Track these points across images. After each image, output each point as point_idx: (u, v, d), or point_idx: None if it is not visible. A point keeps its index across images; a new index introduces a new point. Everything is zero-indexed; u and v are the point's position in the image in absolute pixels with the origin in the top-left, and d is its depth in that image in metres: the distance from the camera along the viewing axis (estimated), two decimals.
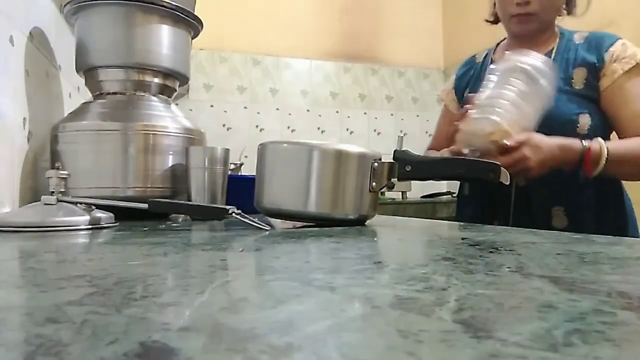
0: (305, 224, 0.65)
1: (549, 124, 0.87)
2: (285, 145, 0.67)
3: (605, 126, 0.92)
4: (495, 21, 1.08)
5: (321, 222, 0.64)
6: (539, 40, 0.99)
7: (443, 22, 3.32)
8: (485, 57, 1.10)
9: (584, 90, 0.92)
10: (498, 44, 1.10)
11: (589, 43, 0.96)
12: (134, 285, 0.25)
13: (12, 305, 0.22)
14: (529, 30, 0.97)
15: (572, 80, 0.93)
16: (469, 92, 1.02)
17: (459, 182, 1.10)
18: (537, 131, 0.84)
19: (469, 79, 1.10)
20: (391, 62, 3.21)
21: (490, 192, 0.97)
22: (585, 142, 0.83)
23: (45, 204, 0.60)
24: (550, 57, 0.95)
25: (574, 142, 0.83)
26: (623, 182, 0.97)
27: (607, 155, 0.82)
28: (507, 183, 0.64)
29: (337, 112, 3.02)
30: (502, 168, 0.64)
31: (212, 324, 0.18)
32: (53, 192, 0.62)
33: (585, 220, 0.90)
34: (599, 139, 0.84)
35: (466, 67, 1.14)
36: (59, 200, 0.61)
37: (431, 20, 3.32)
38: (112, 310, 0.20)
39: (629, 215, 0.96)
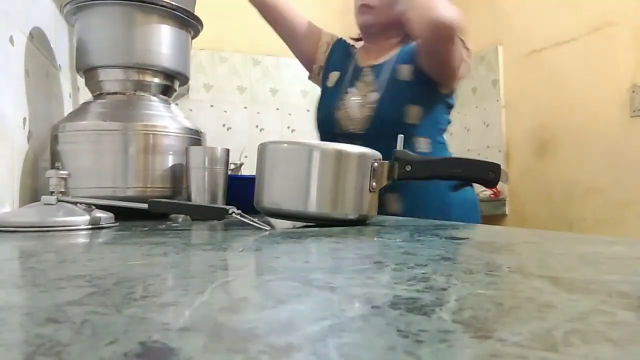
0: (305, 224, 0.65)
1: (381, 119, 1.04)
2: (285, 145, 0.67)
3: (442, 115, 1.09)
4: (359, 38, 1.23)
5: (321, 222, 0.64)
6: (383, 46, 1.13)
7: None
8: (345, 45, 1.24)
9: (412, 81, 1.04)
10: (356, 39, 1.25)
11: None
12: (134, 285, 0.25)
13: (12, 305, 0.22)
14: (367, 21, 1.12)
15: (396, 74, 1.06)
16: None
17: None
18: (366, 133, 1.05)
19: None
20: None
21: None
22: None
23: (45, 204, 0.60)
24: (392, 61, 1.09)
25: None
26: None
27: None
28: (507, 183, 0.64)
29: None
30: (502, 168, 0.64)
31: (212, 324, 0.18)
32: (53, 192, 0.62)
33: (416, 206, 1.00)
34: None
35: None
36: (58, 200, 0.61)
37: None
38: (112, 310, 0.20)
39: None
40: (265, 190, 0.65)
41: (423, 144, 1.05)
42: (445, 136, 1.13)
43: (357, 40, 1.25)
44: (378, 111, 1.06)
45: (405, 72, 1.06)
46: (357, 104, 1.10)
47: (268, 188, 0.65)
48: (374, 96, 1.08)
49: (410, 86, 1.05)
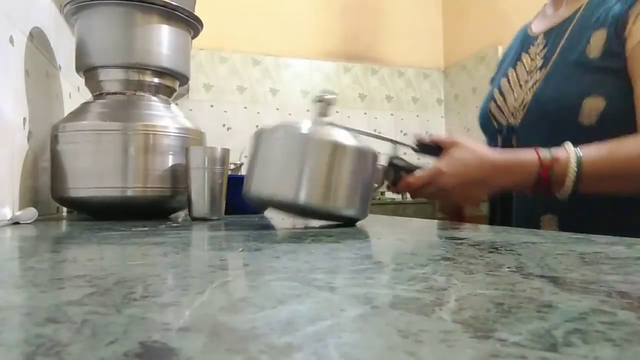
0: (306, 224, 0.65)
1: (544, 109, 0.72)
2: (281, 131, 0.63)
3: (630, 112, 0.66)
4: None
5: (310, 216, 0.62)
6: None
7: (443, 22, 3.32)
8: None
9: (600, 60, 0.67)
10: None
11: None
12: (134, 285, 0.25)
13: (12, 305, 0.22)
14: None
15: (588, 47, 0.69)
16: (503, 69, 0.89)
17: None
18: (529, 118, 0.74)
19: (506, 56, 0.93)
20: (391, 62, 3.21)
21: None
22: (543, 154, 0.63)
23: None
24: (572, 19, 0.74)
25: (525, 155, 0.64)
26: None
27: (579, 170, 0.60)
28: None
29: (337, 112, 3.02)
30: None
31: (212, 324, 0.18)
32: None
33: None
34: (567, 145, 0.62)
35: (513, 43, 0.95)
36: None
37: (431, 20, 3.32)
38: (112, 310, 0.20)
39: None
40: (255, 178, 0.62)
41: None
42: None
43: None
44: (538, 96, 0.73)
45: (594, 41, 0.69)
46: (515, 86, 0.80)
47: (258, 175, 0.62)
48: (538, 75, 0.75)
49: (595, 68, 0.67)
